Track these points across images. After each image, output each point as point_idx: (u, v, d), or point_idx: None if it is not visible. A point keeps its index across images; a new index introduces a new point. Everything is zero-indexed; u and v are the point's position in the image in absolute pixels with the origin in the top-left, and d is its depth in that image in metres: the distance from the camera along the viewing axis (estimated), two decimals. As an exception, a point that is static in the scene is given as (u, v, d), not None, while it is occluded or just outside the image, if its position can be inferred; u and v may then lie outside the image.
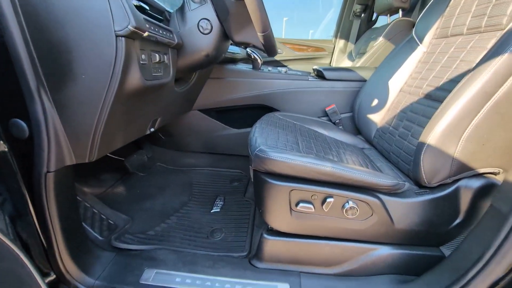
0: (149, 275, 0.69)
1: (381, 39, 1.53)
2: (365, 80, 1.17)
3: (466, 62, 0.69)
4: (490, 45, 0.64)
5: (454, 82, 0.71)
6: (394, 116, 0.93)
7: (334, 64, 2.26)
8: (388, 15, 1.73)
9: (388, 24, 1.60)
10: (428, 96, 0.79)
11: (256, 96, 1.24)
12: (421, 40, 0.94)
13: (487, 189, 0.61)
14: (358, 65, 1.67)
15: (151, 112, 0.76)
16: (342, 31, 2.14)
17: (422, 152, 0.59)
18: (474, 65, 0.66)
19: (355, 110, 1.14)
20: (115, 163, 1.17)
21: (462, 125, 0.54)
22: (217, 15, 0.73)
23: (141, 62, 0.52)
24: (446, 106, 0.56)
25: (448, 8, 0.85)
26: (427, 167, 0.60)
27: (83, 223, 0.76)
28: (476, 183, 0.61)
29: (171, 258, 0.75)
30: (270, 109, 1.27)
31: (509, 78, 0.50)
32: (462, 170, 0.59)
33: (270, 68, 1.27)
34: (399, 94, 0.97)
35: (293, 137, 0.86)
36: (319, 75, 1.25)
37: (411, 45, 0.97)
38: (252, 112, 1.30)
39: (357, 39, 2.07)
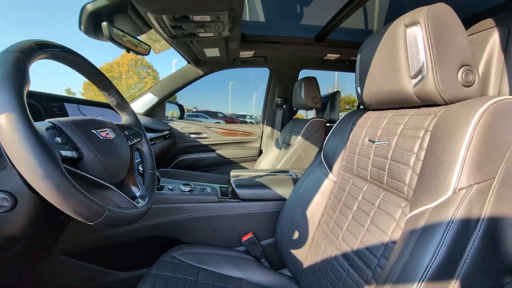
0: None
1: (299, 138, 1.52)
2: (284, 199, 1.02)
3: (374, 235, 0.56)
4: (398, 216, 0.52)
5: (369, 251, 0.56)
6: (316, 264, 0.74)
7: (264, 148, 2.21)
8: (305, 110, 1.79)
9: (306, 121, 1.63)
10: (345, 258, 0.63)
11: (151, 226, 0.94)
12: (330, 167, 0.84)
13: None
14: (284, 159, 1.58)
15: None
16: (268, 119, 2.17)
17: None
18: (385, 244, 0.53)
19: (277, 237, 0.93)
20: None
21: None
22: (25, 183, 0.47)
23: None
24: None
25: (348, 142, 0.78)
26: None
27: None
28: None
29: None
30: (173, 241, 0.98)
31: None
32: None
33: (170, 187, 1.02)
34: (318, 229, 0.81)
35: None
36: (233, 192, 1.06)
37: (322, 169, 0.87)
38: (148, 244, 0.98)
39: (282, 126, 2.10)
